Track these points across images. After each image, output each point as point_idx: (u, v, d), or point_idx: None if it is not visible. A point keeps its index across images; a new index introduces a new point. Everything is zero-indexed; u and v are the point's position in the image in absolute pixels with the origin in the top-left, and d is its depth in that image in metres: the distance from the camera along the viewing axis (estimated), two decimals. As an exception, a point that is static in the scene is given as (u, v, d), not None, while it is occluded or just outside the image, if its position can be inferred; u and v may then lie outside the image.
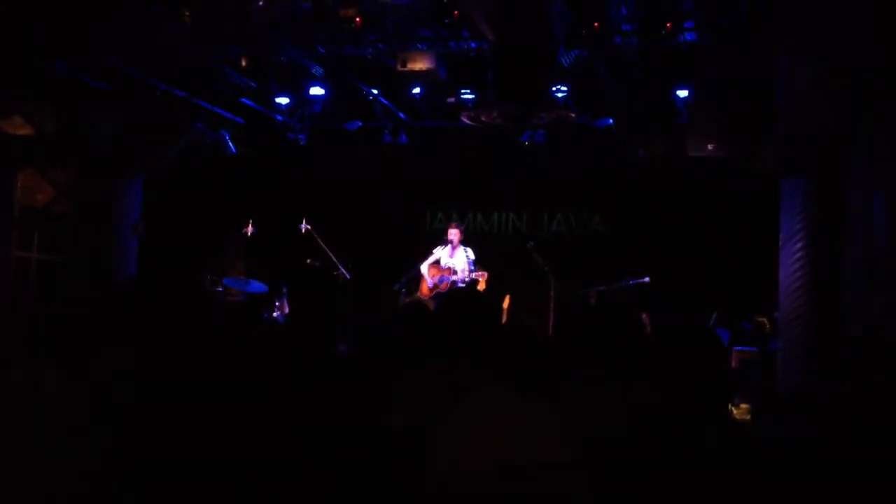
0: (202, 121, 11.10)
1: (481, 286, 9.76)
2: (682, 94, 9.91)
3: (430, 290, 10.00)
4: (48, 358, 2.73)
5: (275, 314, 9.81)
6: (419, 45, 9.29)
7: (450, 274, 9.94)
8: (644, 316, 7.77)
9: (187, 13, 8.34)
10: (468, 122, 9.95)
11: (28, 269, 10.95)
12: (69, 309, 3.12)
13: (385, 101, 11.09)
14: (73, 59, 9.21)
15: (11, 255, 10.34)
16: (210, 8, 8.46)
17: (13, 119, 10.03)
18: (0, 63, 8.63)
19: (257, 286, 9.98)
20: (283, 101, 11.08)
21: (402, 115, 11.45)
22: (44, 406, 2.53)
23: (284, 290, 9.97)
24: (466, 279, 9.77)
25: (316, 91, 10.72)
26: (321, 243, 9.99)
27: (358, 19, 8.30)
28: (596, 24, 8.15)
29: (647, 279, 9.39)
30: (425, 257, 10.14)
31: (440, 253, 10.09)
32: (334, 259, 10.00)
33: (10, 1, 7.89)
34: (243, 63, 9.85)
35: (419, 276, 10.14)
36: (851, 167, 7.41)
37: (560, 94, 10.03)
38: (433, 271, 10.05)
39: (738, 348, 8.75)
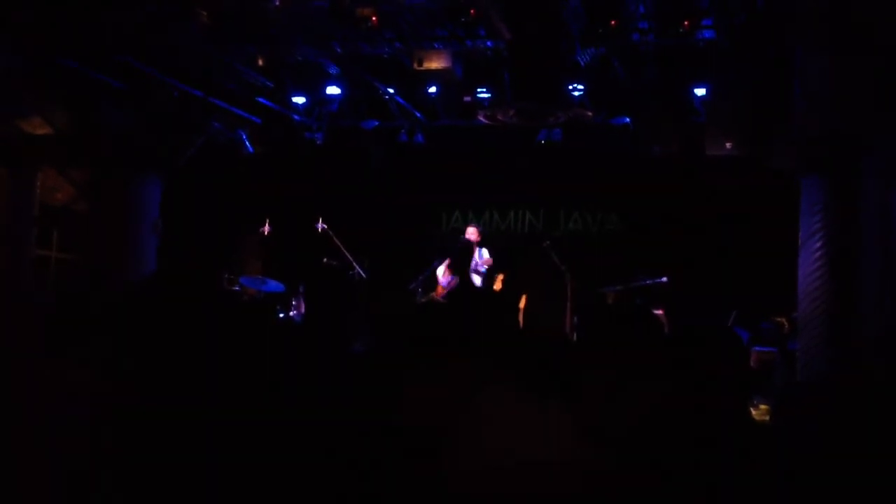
0: (219, 120, 11.13)
1: (497, 285, 9.75)
2: (700, 92, 9.86)
3: (444, 289, 9.99)
4: (67, 355, 2.75)
5: (291, 313, 9.84)
6: (435, 44, 9.29)
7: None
8: (662, 315, 7.76)
9: (204, 12, 8.37)
10: (484, 120, 9.93)
11: (47, 268, 11.02)
12: (87, 307, 3.13)
13: (401, 100, 11.09)
14: (91, 60, 9.26)
15: (31, 254, 10.41)
16: (227, 7, 8.48)
17: (33, 119, 10.10)
18: (19, 64, 8.69)
19: (274, 285, 10.01)
20: (300, 100, 11.10)
21: (418, 114, 11.45)
22: (63, 402, 2.54)
23: (301, 289, 9.99)
24: (480, 269, 9.75)
25: (332, 90, 10.74)
26: (337, 242, 10.01)
27: (374, 18, 8.31)
28: (613, 21, 8.13)
29: (664, 279, 9.35)
30: (441, 257, 10.13)
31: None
32: (350, 258, 10.01)
33: (28, 2, 7.94)
34: (260, 62, 9.88)
35: (435, 279, 10.12)
36: (869, 165, 7.34)
37: (577, 93, 9.99)
38: (447, 273, 10.04)
39: (757, 348, 8.69)
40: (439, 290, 10.07)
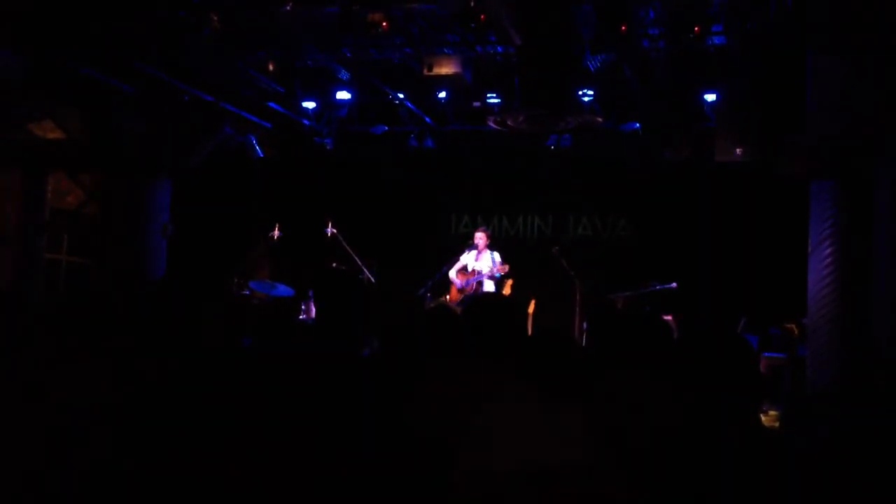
0: (230, 125, 11.17)
1: (507, 290, 9.75)
2: (710, 97, 9.85)
3: (459, 293, 9.99)
4: (79, 358, 2.76)
5: (300, 317, 9.85)
6: (445, 50, 9.30)
7: (475, 276, 9.94)
8: (671, 321, 7.74)
9: (215, 18, 8.40)
10: (494, 126, 9.93)
11: (58, 272, 11.07)
12: (99, 311, 3.14)
13: (411, 106, 11.11)
14: (102, 64, 9.30)
15: (42, 258, 10.46)
16: (238, 13, 8.52)
17: (43, 123, 10.15)
18: (31, 68, 8.74)
19: (283, 289, 10.03)
20: (310, 105, 11.14)
21: (427, 119, 11.47)
22: (75, 405, 2.55)
23: (310, 293, 9.99)
24: (495, 275, 9.77)
25: (342, 95, 10.77)
26: (346, 247, 10.02)
27: (384, 24, 8.33)
28: (623, 27, 8.12)
29: (674, 284, 9.34)
30: (450, 262, 10.12)
31: (466, 259, 10.08)
32: (359, 262, 10.03)
33: (40, 6, 7.99)
34: (270, 68, 9.91)
35: (447, 282, 10.13)
36: (881, 169, 7.31)
37: (586, 99, 10.00)
38: (461, 276, 10.05)
39: (766, 354, 8.67)
40: (454, 292, 10.06)
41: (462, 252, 10.14)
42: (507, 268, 9.73)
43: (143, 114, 10.21)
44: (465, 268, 10.09)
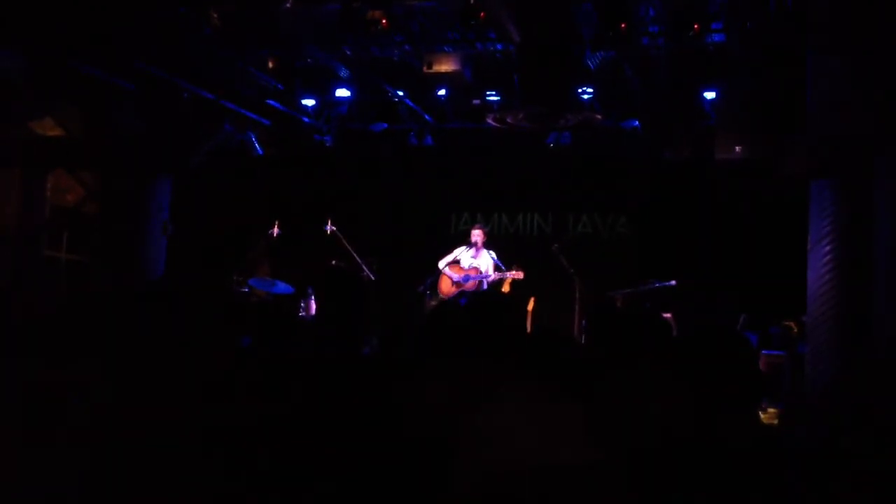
0: (229, 122, 11.17)
1: (505, 287, 9.75)
2: (710, 95, 9.85)
3: (455, 287, 9.98)
4: (76, 357, 2.76)
5: (300, 314, 9.85)
6: (445, 47, 9.30)
7: (476, 273, 9.93)
8: (670, 319, 7.75)
9: (215, 15, 8.40)
10: (494, 123, 9.94)
11: (58, 269, 11.06)
12: (98, 308, 3.14)
13: (411, 103, 11.11)
14: (102, 62, 9.30)
15: (42, 255, 10.46)
16: (237, 10, 8.52)
17: (43, 121, 10.15)
18: (31, 66, 8.74)
19: (283, 287, 10.03)
20: (310, 102, 11.14)
21: (427, 116, 11.47)
22: (74, 405, 2.56)
23: (310, 290, 10.00)
24: (506, 276, 9.76)
25: (342, 93, 10.77)
26: (346, 244, 10.03)
27: (384, 21, 8.33)
28: (623, 25, 8.12)
29: (673, 282, 9.35)
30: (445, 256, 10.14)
31: (462, 254, 10.07)
32: (359, 260, 10.03)
33: (39, 4, 7.99)
34: (270, 65, 9.91)
35: (438, 275, 10.12)
36: (881, 167, 7.31)
37: (586, 96, 10.00)
38: (455, 269, 10.04)
39: (766, 352, 8.67)
40: (447, 284, 10.04)
41: (458, 247, 10.14)
42: (521, 274, 9.71)
43: (143, 112, 10.20)
44: (457, 261, 10.07)
